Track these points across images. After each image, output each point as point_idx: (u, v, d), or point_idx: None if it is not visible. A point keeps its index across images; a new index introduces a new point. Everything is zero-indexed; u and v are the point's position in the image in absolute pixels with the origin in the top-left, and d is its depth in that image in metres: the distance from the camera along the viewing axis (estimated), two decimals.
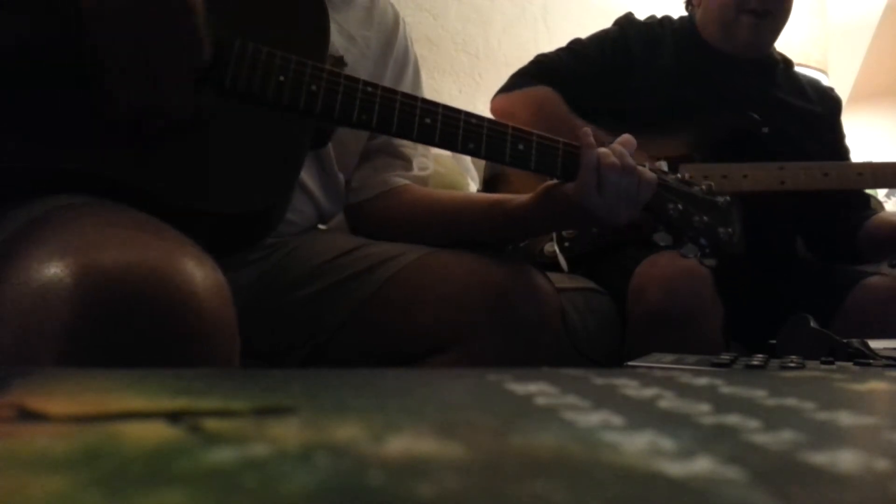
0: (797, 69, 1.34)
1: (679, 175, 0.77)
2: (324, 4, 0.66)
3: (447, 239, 0.77)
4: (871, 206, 1.30)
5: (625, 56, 1.21)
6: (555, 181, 0.73)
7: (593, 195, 0.68)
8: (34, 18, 0.55)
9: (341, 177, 0.81)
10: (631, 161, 0.70)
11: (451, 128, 0.65)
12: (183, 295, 0.42)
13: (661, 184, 0.74)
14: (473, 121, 0.67)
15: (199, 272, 0.44)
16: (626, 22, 1.26)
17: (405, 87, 0.81)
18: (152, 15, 0.54)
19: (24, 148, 0.54)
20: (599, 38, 1.24)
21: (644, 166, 0.73)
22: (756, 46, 1.22)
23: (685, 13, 1.31)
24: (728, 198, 0.78)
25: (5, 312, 0.44)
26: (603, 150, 0.70)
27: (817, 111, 1.28)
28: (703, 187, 0.78)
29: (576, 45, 1.24)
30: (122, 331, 0.41)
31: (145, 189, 0.55)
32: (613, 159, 0.69)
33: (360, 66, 0.74)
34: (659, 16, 1.29)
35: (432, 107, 0.65)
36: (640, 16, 1.29)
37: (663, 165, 0.77)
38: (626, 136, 0.73)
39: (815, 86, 1.33)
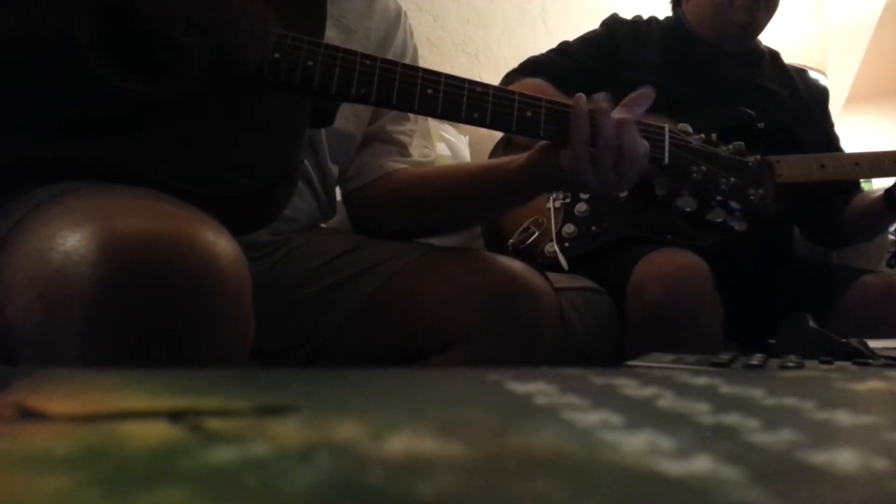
0: (786, 62, 1.35)
1: (703, 135, 0.73)
2: None
3: (443, 213, 0.76)
4: (859, 189, 1.31)
5: (613, 53, 1.22)
6: (548, 143, 0.69)
7: (587, 171, 0.65)
8: (23, 8, 0.55)
9: (335, 170, 0.81)
10: (632, 136, 0.65)
11: (454, 97, 0.63)
12: (205, 260, 0.43)
13: (683, 145, 0.70)
14: (478, 89, 0.64)
15: (220, 240, 0.45)
16: (613, 21, 1.28)
17: None
18: None
19: (18, 138, 0.54)
20: (588, 38, 1.26)
21: (664, 127, 0.70)
22: (751, 29, 1.23)
23: (671, 14, 1.32)
24: (759, 157, 0.73)
25: (30, 278, 0.44)
26: (604, 120, 0.64)
27: (805, 99, 1.29)
28: (731, 147, 0.73)
29: (565, 45, 1.26)
30: (145, 296, 0.41)
31: (145, 175, 0.55)
32: (611, 131, 0.64)
33: None
34: (648, 17, 1.30)
35: (434, 76, 0.64)
36: (634, 16, 1.30)
37: (687, 127, 0.73)
38: (641, 93, 0.67)
39: (802, 76, 1.35)
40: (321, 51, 0.61)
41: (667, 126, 0.71)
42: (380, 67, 0.62)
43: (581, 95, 0.66)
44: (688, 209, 0.71)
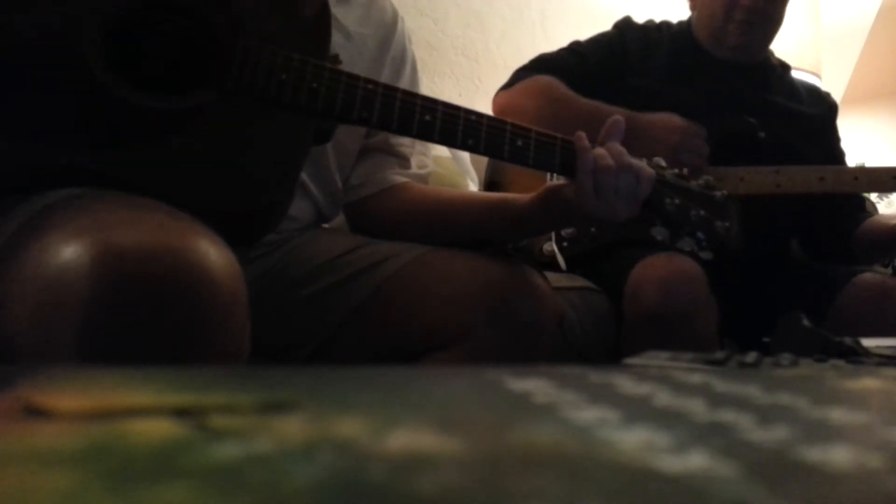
0: (793, 73, 1.34)
1: (676, 170, 0.77)
2: (325, 1, 0.67)
3: (447, 238, 0.77)
4: (867, 208, 1.30)
5: (621, 57, 1.22)
6: (556, 182, 0.73)
7: (591, 198, 0.69)
8: (34, 15, 0.55)
9: (339, 179, 0.81)
10: (628, 160, 0.70)
11: (450, 125, 0.66)
12: (198, 273, 0.43)
13: (659, 179, 0.74)
14: (473, 117, 0.67)
15: (213, 250, 0.45)
16: (625, 25, 1.28)
17: (402, 85, 0.82)
18: None
19: (25, 147, 0.54)
20: (598, 40, 1.26)
21: (642, 159, 0.73)
22: (746, 51, 1.22)
23: (685, 18, 1.32)
24: (725, 192, 0.78)
25: (25, 291, 0.44)
26: (599, 151, 0.69)
27: (813, 115, 1.28)
28: (701, 182, 0.77)
29: (575, 45, 1.26)
30: (138, 308, 0.41)
31: (147, 188, 0.55)
32: (609, 161, 0.69)
33: (356, 64, 0.75)
34: (657, 21, 1.30)
35: (431, 104, 0.66)
36: (638, 21, 1.30)
37: (661, 161, 0.77)
38: (613, 121, 0.72)
39: (812, 90, 1.34)
40: (325, 74, 0.62)
41: (644, 160, 0.74)
42: (381, 93, 0.64)
43: (582, 134, 0.70)
44: (660, 238, 0.76)
